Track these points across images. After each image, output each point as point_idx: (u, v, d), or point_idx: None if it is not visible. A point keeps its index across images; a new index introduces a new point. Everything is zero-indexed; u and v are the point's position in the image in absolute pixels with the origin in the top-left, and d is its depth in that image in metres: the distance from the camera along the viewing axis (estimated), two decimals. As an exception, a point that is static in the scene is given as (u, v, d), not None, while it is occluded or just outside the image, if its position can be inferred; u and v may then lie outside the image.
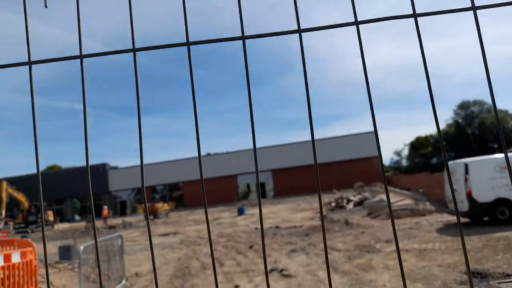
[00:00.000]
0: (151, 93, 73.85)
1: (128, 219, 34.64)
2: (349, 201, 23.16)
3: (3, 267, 6.97)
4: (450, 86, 79.53)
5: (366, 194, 25.47)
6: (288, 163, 45.28)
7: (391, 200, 20.27)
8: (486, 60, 0.89)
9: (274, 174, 46.74)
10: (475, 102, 49.94)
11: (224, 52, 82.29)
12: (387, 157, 63.87)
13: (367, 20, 0.96)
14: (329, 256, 9.55)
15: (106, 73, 75.04)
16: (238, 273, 9.00)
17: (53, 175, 51.96)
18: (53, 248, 16.31)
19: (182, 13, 0.97)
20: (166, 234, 19.09)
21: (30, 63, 1.05)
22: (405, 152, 59.29)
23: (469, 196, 11.68)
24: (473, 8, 0.91)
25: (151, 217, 32.33)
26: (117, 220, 33.88)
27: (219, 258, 11.08)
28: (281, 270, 8.62)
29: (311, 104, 0.97)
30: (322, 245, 11.15)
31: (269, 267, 9.08)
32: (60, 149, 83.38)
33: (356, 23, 0.95)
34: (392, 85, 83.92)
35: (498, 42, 70.68)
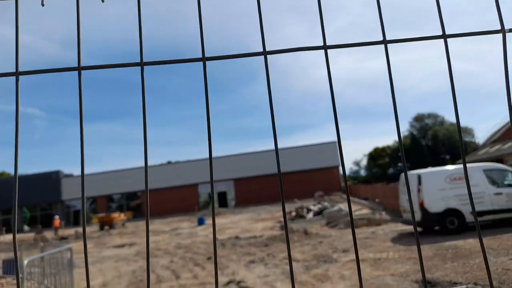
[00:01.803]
0: (110, 98, 71.79)
1: (81, 229, 33.08)
2: (309, 210, 23.43)
3: None
4: (406, 99, 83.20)
5: (326, 203, 25.89)
6: (250, 172, 45.28)
7: (349, 210, 20.72)
8: (453, 85, 0.88)
9: (236, 183, 46.56)
10: (429, 115, 52.47)
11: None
12: (347, 167, 65.49)
13: (336, 45, 0.93)
14: (287, 267, 9.54)
15: (63, 75, 72.14)
16: (195, 285, 8.77)
17: (1, 182, 48.84)
18: (-4, 261, 15.20)
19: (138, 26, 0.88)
20: (122, 246, 18.38)
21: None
22: (364, 162, 61.15)
23: (422, 206, 12.14)
24: (444, 36, 0.90)
25: (107, 227, 31.09)
26: (70, 231, 32.28)
27: (175, 270, 10.77)
28: (239, 282, 8.49)
29: (274, 113, 0.92)
30: (281, 256, 11.14)
31: (226, 279, 8.92)
32: (8, 155, 78.66)
33: (325, 47, 0.92)
34: (352, 97, 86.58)
35: (453, 58, 74.92)
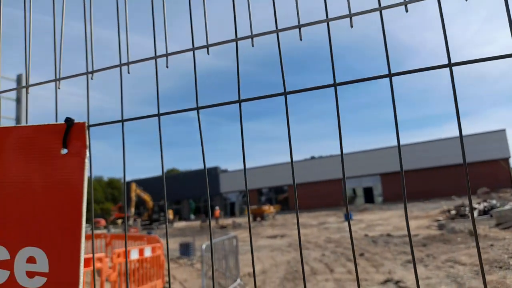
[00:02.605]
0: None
1: (237, 219, 36.39)
2: (473, 209, 20.77)
3: (138, 260, 7.94)
4: None
5: (493, 201, 22.54)
6: (399, 167, 42.54)
7: (527, 210, 17.60)
8: (457, 104, 0.81)
9: (383, 178, 44.46)
10: None
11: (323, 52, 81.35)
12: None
13: (345, 82, 0.94)
14: (452, 270, 8.70)
15: (216, 80, 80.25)
16: (349, 281, 8.76)
17: (172, 177, 57.46)
18: (174, 244, 17.99)
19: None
20: (274, 236, 19.54)
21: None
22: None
23: None
24: (450, 65, 0.92)
25: (258, 219, 33.45)
26: (228, 221, 35.89)
27: (328, 263, 10.93)
28: (397, 282, 8.13)
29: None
30: (443, 257, 10.22)
31: (383, 278, 8.64)
32: (178, 153, 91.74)
33: (335, 85, 0.92)
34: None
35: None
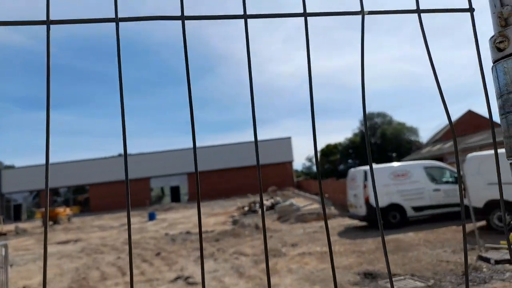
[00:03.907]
0: (59, 86, 68.02)
1: (23, 225, 31.28)
2: (261, 205, 23.66)
3: None
4: (356, 98, 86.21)
5: (278, 198, 26.30)
6: (204, 167, 44.85)
7: (301, 205, 21.18)
8: (435, 72, 0.87)
9: (189, 178, 45.99)
10: (378, 114, 54.77)
11: (149, 48, 79.31)
12: (300, 162, 66.85)
13: (316, 13, 0.88)
14: (237, 262, 9.58)
15: (8, 59, 67.29)
16: (141, 282, 8.57)
17: None
18: None
19: None
20: (66, 242, 17.55)
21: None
22: (316, 158, 62.64)
23: (367, 201, 12.67)
24: (418, 11, 0.90)
25: (51, 222, 29.53)
26: (10, 227, 30.30)
27: (122, 267, 10.46)
28: (187, 278, 8.41)
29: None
30: (231, 250, 11.17)
31: (175, 275, 8.80)
32: None
33: (305, 15, 0.87)
34: (307, 94, 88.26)
35: (402, 60, 78.90)
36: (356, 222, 14.28)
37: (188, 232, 16.14)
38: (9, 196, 44.93)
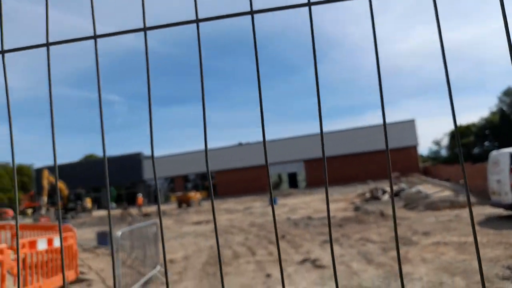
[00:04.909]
0: (184, 82, 74.85)
1: (161, 207, 35.51)
2: (384, 192, 22.57)
3: (46, 251, 7.28)
4: (497, 70, 75.55)
5: (403, 185, 24.74)
6: (321, 153, 44.60)
7: (429, 192, 19.57)
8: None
9: (306, 164, 46.37)
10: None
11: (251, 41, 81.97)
12: (426, 147, 61.58)
13: (320, 1, 0.89)
14: (364, 248, 9.33)
15: (140, 62, 76.61)
16: (270, 262, 8.98)
17: (91, 164, 54.06)
18: (91, 234, 16.99)
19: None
20: (199, 223, 19.40)
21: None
22: (445, 142, 57.06)
23: (515, 188, 11.02)
24: (309, 4, 0.87)
25: (184, 205, 32.98)
26: (152, 208, 34.85)
27: (251, 247, 11.10)
28: (314, 261, 8.50)
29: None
30: (356, 237, 10.92)
31: (301, 258, 8.99)
32: (95, 139, 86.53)
33: (309, 4, 0.87)
34: (431, 72, 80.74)
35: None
36: (499, 211, 12.57)
37: (309, 217, 16.31)
38: (150, 182, 51.59)
